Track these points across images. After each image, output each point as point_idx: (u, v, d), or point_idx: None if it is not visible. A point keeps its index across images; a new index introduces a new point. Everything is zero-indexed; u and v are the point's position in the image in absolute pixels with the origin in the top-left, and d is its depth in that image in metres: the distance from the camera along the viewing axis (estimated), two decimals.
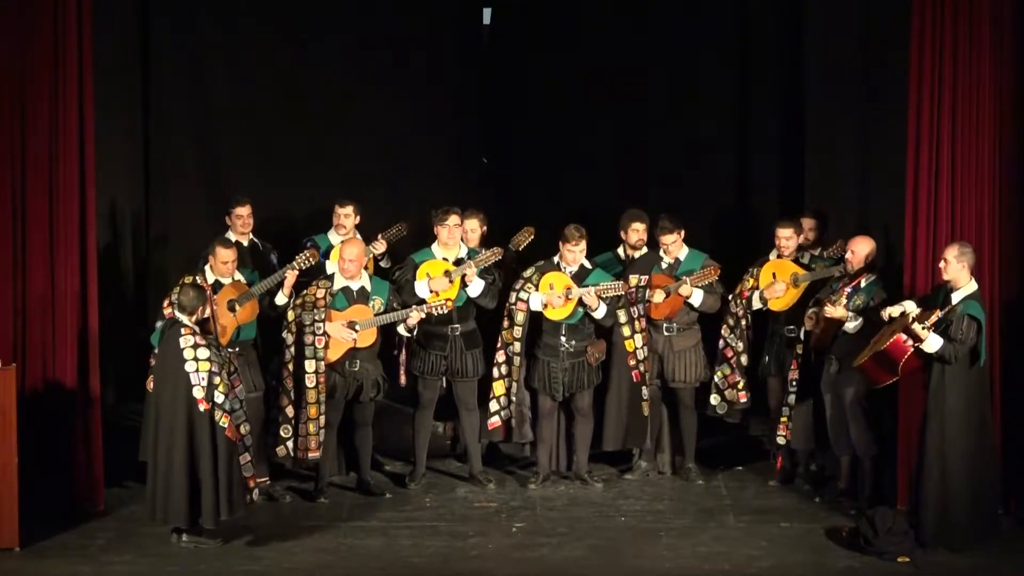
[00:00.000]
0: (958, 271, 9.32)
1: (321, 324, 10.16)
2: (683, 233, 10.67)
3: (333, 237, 11.02)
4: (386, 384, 10.47)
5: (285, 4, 11.99)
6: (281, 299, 10.28)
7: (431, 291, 10.52)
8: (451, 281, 10.52)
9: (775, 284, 10.54)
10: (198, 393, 9.15)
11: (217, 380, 9.19)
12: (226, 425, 9.21)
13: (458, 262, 10.62)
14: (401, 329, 10.40)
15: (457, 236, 10.65)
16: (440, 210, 10.62)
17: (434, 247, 10.69)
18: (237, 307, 10.13)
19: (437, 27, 12.21)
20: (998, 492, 9.60)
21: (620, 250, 10.96)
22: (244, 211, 10.78)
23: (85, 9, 9.86)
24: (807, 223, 10.78)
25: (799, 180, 11.76)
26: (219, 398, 9.19)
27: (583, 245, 10.44)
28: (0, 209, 9.80)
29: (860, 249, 10.11)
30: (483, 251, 10.68)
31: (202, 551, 9.32)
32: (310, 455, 10.22)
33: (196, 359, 9.17)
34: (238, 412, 9.36)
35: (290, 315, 10.24)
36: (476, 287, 10.59)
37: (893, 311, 9.40)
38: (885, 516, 9.32)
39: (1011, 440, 9.83)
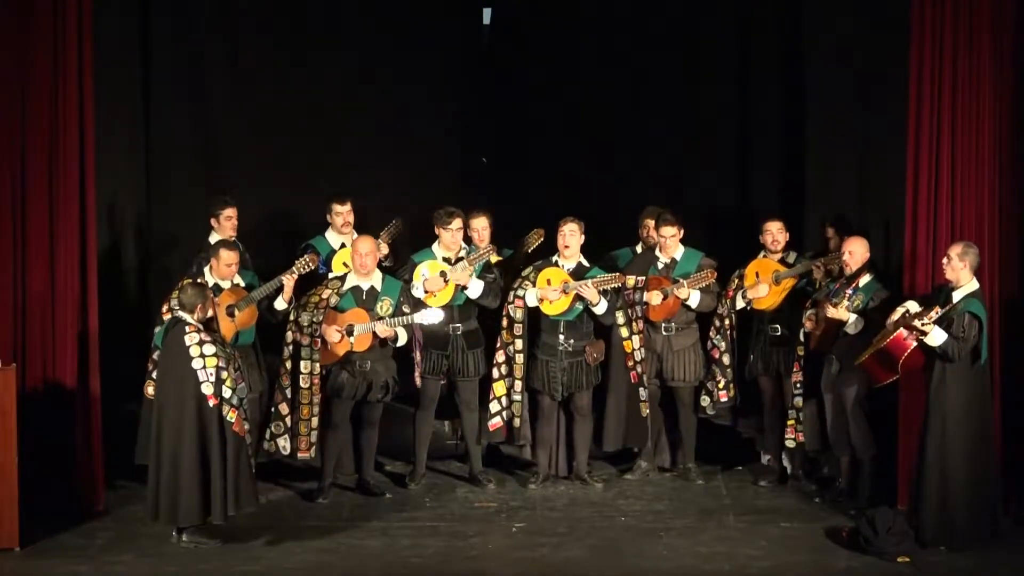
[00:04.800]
0: (959, 269, 9.33)
1: (318, 326, 10.15)
2: (682, 232, 10.70)
3: (332, 238, 10.98)
4: (397, 386, 10.41)
5: (285, 4, 11.97)
6: (281, 304, 10.27)
7: (426, 291, 10.49)
8: (446, 281, 10.49)
9: (758, 284, 10.58)
10: (207, 389, 9.14)
11: (224, 375, 9.18)
12: (234, 420, 9.21)
13: (459, 261, 10.59)
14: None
15: (459, 240, 10.62)
16: (444, 212, 10.59)
17: (435, 247, 10.67)
18: (236, 312, 10.13)
19: (437, 27, 12.19)
20: (998, 492, 9.60)
21: (638, 247, 11.02)
22: (231, 213, 10.73)
23: (85, 9, 9.86)
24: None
25: (799, 180, 11.75)
26: (227, 393, 9.19)
27: (579, 228, 10.44)
28: (0, 209, 9.81)
29: (857, 249, 10.14)
30: (477, 250, 10.65)
31: (202, 551, 9.32)
32: (299, 455, 10.24)
33: (203, 355, 9.17)
34: (243, 409, 9.36)
35: (292, 315, 10.24)
36: (475, 288, 10.57)
37: (894, 317, 9.40)
38: (885, 516, 9.32)
39: (1011, 440, 9.83)
